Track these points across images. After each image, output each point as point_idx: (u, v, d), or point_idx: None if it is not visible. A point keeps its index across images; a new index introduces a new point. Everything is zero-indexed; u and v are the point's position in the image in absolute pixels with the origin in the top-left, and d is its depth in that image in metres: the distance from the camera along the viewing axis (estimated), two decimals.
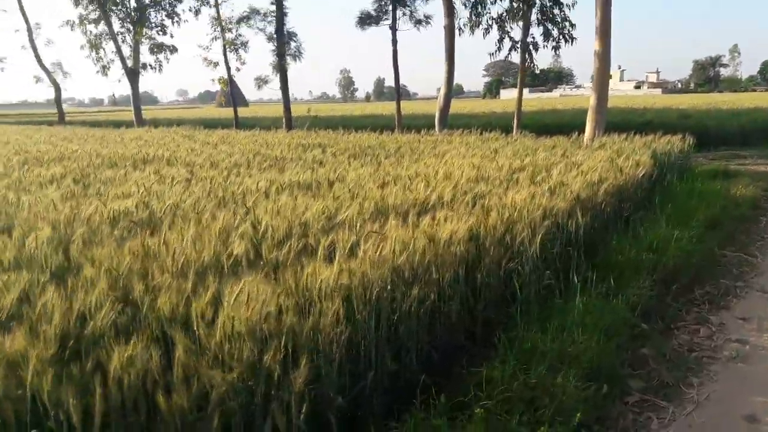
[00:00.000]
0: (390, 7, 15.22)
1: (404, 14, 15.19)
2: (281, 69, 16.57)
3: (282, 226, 3.65)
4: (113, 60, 22.57)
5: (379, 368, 2.70)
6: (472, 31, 14.19)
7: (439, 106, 14.52)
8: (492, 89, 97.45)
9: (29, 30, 28.19)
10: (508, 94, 71.09)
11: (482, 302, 3.39)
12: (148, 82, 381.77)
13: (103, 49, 22.57)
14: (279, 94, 17.20)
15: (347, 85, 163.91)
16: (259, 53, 19.28)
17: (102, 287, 2.62)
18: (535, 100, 50.19)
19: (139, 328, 2.49)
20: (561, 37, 13.43)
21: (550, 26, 13.56)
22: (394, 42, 15.18)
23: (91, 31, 22.41)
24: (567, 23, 13.61)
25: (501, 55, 14.11)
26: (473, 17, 14.04)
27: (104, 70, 22.74)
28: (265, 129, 15.41)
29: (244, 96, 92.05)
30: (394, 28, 15.23)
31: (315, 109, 37.34)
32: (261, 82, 16.93)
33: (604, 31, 10.34)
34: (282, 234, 3.58)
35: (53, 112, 32.19)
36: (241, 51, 18.65)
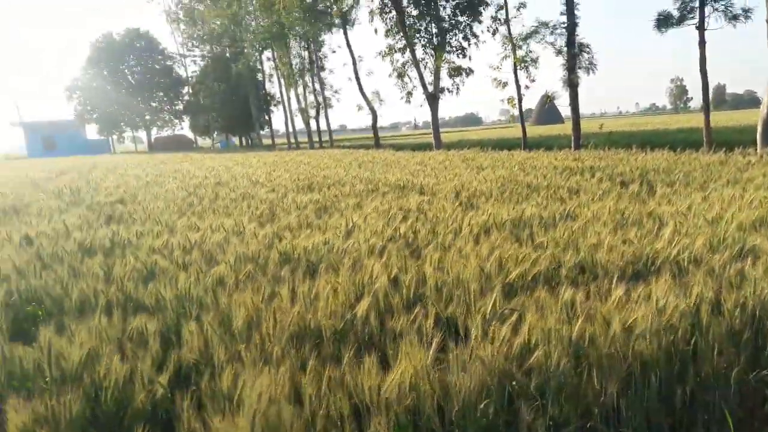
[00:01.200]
0: (697, 4, 12.69)
1: (715, 10, 12.49)
2: (571, 84, 15.32)
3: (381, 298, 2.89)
4: (415, 87, 24.20)
5: None
6: None
7: (762, 117, 11.27)
8: None
9: (354, 63, 31.16)
10: None
11: None
12: (474, 104, 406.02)
13: (408, 76, 24.35)
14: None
15: (679, 94, 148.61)
16: (548, 69, 18.35)
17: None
18: None
19: None
20: None
21: None
22: (702, 44, 12.62)
23: (397, 60, 24.44)
24: None
25: None
26: None
27: (408, 96, 24.52)
28: (550, 148, 14.47)
29: (559, 112, 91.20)
30: (702, 28, 12.65)
31: (628, 124, 34.39)
32: (548, 99, 15.98)
33: None
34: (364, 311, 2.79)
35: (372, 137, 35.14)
36: (531, 68, 17.96)
